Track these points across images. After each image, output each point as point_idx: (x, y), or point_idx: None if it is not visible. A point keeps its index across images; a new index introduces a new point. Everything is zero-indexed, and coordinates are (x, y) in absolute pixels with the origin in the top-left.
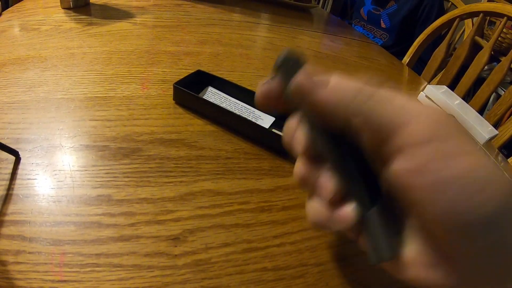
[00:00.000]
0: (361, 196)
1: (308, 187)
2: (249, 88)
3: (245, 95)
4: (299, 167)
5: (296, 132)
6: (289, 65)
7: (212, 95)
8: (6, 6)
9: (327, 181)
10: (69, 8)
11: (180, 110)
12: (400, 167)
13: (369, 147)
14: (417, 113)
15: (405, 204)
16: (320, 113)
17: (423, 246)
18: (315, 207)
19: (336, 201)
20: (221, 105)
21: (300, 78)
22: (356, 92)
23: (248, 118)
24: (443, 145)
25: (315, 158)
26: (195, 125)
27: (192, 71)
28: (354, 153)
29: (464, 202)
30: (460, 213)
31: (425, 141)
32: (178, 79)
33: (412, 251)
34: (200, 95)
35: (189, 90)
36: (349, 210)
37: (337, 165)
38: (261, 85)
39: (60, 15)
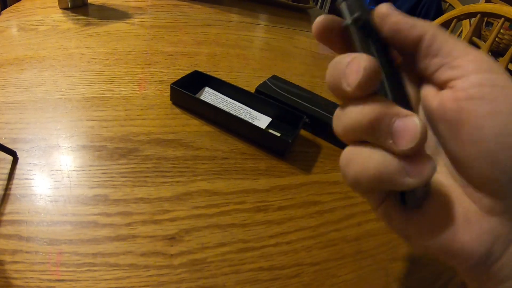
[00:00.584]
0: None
1: (377, 133)
2: (246, 88)
3: (242, 96)
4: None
5: (354, 60)
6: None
7: (209, 95)
8: (4, 6)
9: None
10: (67, 8)
11: (177, 110)
12: (447, 98)
13: (427, 72)
14: (465, 52)
15: (449, 131)
16: (398, 31)
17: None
18: (383, 158)
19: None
20: (218, 106)
21: (382, 5)
22: (427, 23)
23: (245, 118)
24: (494, 76)
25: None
26: (192, 125)
27: (189, 72)
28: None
29: (506, 128)
30: (508, 152)
31: (473, 72)
32: (175, 80)
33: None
34: (197, 95)
35: (186, 91)
36: (429, 165)
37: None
38: (321, 17)
39: (58, 15)
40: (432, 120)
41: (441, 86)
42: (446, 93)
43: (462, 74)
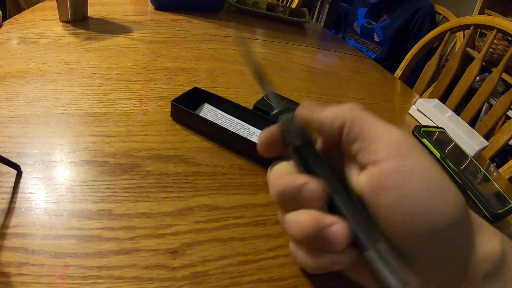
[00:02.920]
0: (364, 231)
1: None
2: (244, 104)
3: (240, 112)
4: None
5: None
6: (281, 108)
7: (208, 111)
8: (4, 18)
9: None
10: (67, 22)
11: (177, 126)
12: (364, 182)
13: (350, 155)
14: (381, 134)
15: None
16: (323, 130)
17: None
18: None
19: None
20: (217, 122)
21: (302, 108)
22: (347, 109)
23: (243, 135)
24: (404, 162)
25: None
26: (192, 141)
27: (189, 88)
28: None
29: (423, 209)
30: (415, 227)
31: (385, 158)
32: (175, 96)
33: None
34: (196, 112)
35: (186, 107)
36: (339, 227)
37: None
38: (260, 135)
39: (58, 29)
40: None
41: (361, 168)
42: (363, 177)
43: (376, 159)
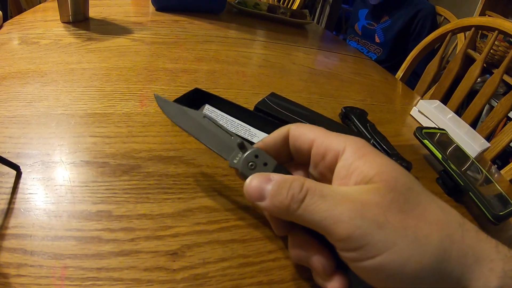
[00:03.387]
0: None
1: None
2: (244, 105)
3: (241, 113)
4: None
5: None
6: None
7: (209, 112)
8: (5, 18)
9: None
10: (68, 22)
11: (178, 127)
12: (342, 255)
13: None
14: (338, 218)
15: None
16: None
17: None
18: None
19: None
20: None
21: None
22: (289, 201)
23: (244, 136)
24: (362, 241)
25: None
26: (193, 142)
27: (190, 89)
28: None
29: (387, 284)
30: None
31: (348, 239)
32: (176, 97)
33: None
34: None
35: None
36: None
37: None
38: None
39: (59, 29)
40: None
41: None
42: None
43: (336, 247)
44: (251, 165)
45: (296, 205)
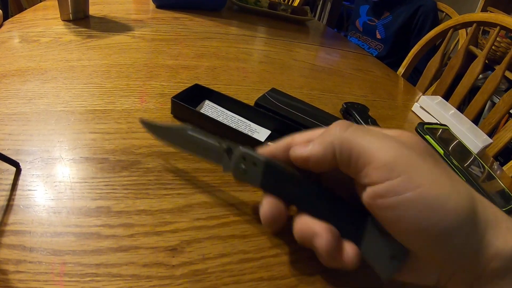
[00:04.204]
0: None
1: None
2: (245, 101)
3: (242, 109)
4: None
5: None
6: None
7: (209, 108)
8: (6, 17)
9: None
10: (68, 20)
11: (178, 123)
12: (364, 200)
13: (350, 176)
14: (370, 157)
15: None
16: (319, 166)
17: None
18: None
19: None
20: (218, 119)
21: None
22: (332, 136)
23: (244, 131)
24: (395, 182)
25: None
26: None
27: (190, 85)
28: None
29: (424, 220)
30: (421, 229)
31: (376, 182)
32: (176, 93)
33: None
34: (197, 108)
35: (187, 104)
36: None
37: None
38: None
39: (59, 27)
40: None
41: (362, 187)
42: (363, 196)
43: (371, 182)
44: (242, 170)
45: (343, 130)
